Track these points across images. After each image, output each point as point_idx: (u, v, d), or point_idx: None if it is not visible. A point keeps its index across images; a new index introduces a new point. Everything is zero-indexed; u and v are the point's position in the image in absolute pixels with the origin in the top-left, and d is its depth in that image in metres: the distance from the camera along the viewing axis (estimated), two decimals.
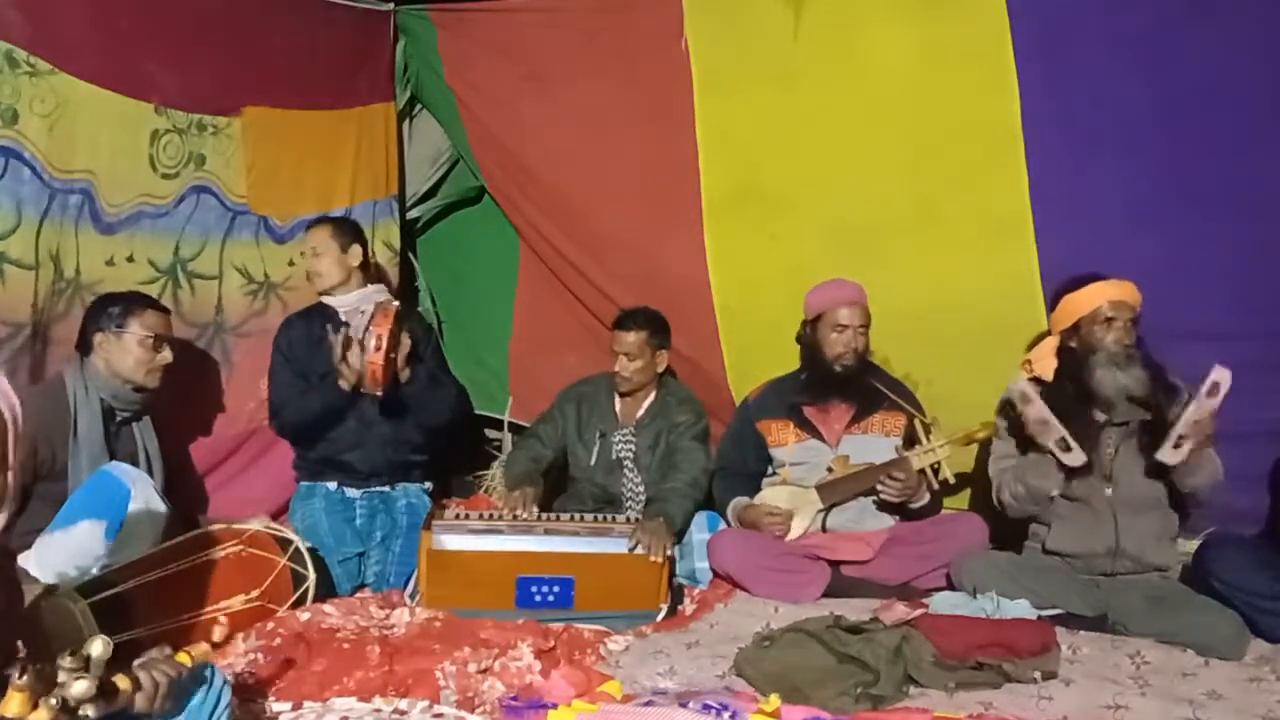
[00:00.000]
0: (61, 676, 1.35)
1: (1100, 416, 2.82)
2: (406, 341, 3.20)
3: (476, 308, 4.42)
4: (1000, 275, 3.26)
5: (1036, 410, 2.75)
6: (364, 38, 3.90)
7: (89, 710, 1.36)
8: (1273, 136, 2.92)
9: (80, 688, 1.34)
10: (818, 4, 3.32)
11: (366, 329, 3.09)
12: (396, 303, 3.20)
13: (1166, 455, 2.67)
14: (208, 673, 1.73)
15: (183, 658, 1.60)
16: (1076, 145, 3.12)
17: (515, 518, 2.92)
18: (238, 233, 3.47)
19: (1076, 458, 2.73)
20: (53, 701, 1.31)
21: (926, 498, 3.14)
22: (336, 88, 3.79)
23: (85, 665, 1.38)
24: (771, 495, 3.21)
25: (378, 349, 3.02)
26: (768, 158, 3.53)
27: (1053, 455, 2.75)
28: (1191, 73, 2.95)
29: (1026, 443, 2.86)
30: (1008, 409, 2.92)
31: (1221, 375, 2.61)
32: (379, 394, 3.12)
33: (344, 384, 3.12)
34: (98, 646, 1.41)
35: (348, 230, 3.38)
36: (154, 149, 3.15)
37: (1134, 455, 2.82)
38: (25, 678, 1.31)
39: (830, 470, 3.18)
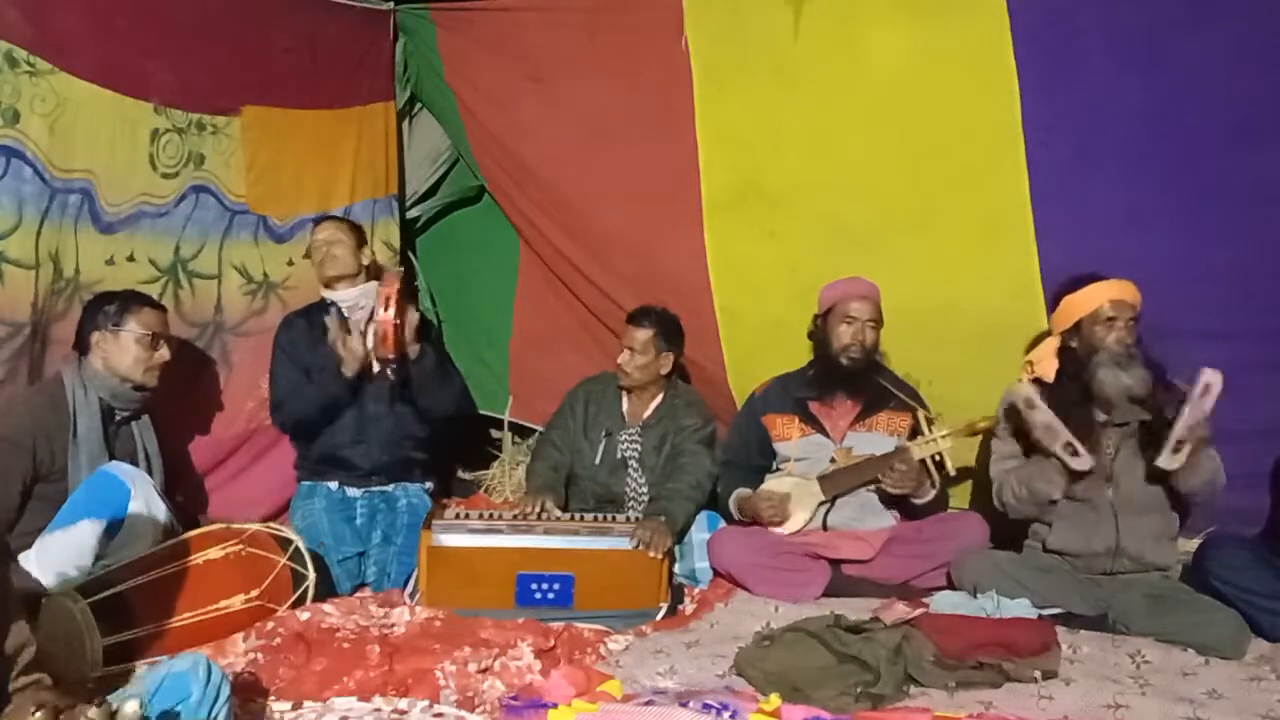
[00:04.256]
0: None
1: (1101, 416, 2.83)
2: (414, 315, 3.23)
3: (476, 307, 4.42)
4: (1000, 275, 3.26)
5: (1041, 415, 2.75)
6: (364, 37, 3.90)
7: None
8: (1273, 136, 2.92)
9: None
10: (818, 3, 3.32)
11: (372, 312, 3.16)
12: (400, 268, 3.23)
13: (1166, 461, 2.68)
14: (204, 671, 1.73)
15: None
16: (1077, 145, 3.11)
17: (524, 516, 2.94)
18: (237, 232, 3.47)
19: (1084, 462, 2.73)
20: None
21: (931, 494, 3.15)
22: (336, 87, 3.79)
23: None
24: (775, 486, 3.20)
25: (386, 309, 3.06)
26: (768, 157, 3.53)
27: (1058, 460, 2.75)
28: (1192, 72, 2.94)
29: (1031, 446, 2.86)
30: (1012, 414, 2.91)
31: (1212, 377, 2.61)
32: (390, 358, 3.14)
33: (346, 370, 3.16)
34: (130, 707, 1.38)
35: (358, 231, 3.48)
36: (154, 148, 3.15)
37: (1134, 455, 2.82)
38: (40, 714, 1.29)
39: (833, 461, 3.18)
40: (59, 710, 1.34)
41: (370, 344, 3.20)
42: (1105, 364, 2.78)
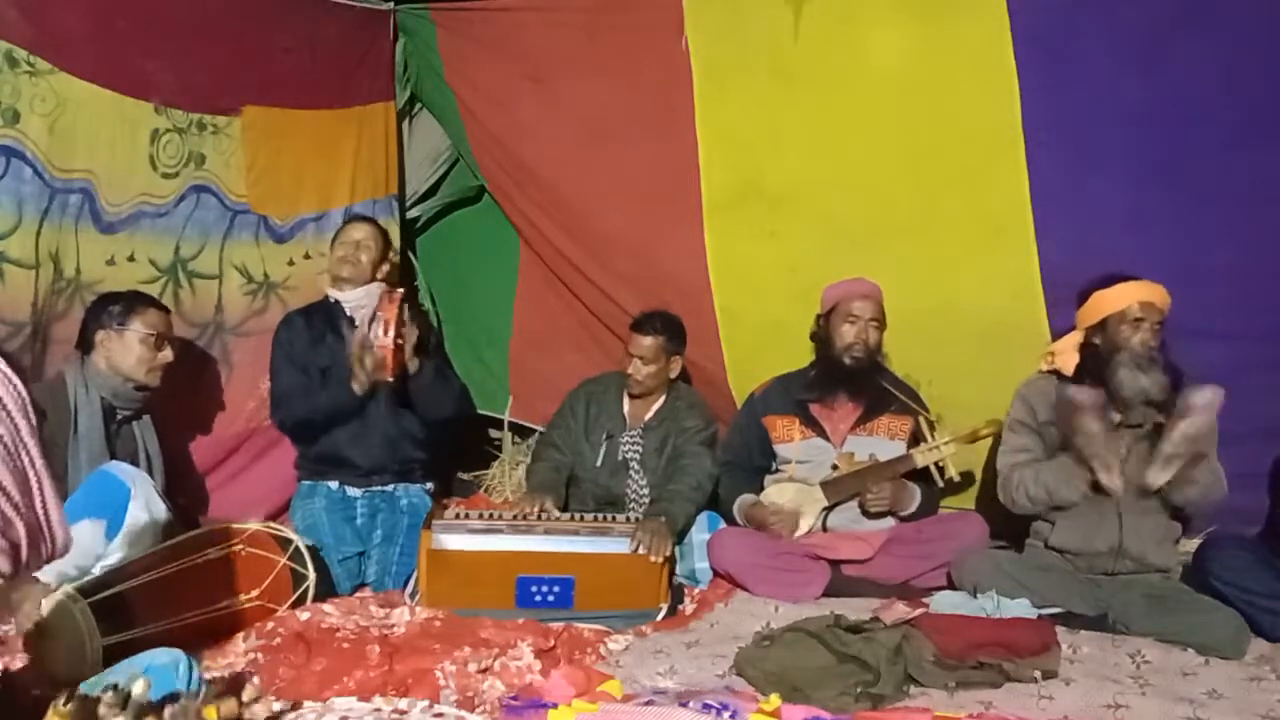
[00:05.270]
0: (101, 710, 1.37)
1: (1115, 417, 2.81)
2: (414, 331, 3.21)
3: (476, 307, 4.42)
4: (1000, 275, 3.26)
5: (1098, 426, 2.70)
6: (364, 37, 3.90)
7: None
8: (1273, 136, 2.92)
9: None
10: (818, 3, 3.32)
11: (374, 316, 3.13)
12: (401, 290, 3.22)
13: (1154, 476, 2.67)
14: (184, 669, 1.75)
15: (210, 714, 1.59)
16: (1077, 145, 3.11)
17: (524, 516, 2.93)
18: (237, 232, 3.47)
19: (1116, 483, 2.70)
20: None
21: (914, 505, 3.15)
22: (336, 87, 3.79)
23: (124, 703, 1.40)
24: (777, 492, 3.20)
25: (386, 333, 3.04)
26: (768, 157, 3.53)
27: (1087, 469, 2.73)
28: (1192, 72, 2.94)
29: (1061, 445, 2.84)
30: (1062, 410, 2.81)
31: (1207, 395, 2.60)
32: (389, 380, 3.12)
33: (358, 387, 3.14)
34: (138, 686, 1.42)
35: (388, 241, 3.50)
36: (154, 148, 3.15)
37: (1145, 458, 2.80)
38: (69, 705, 1.33)
39: (835, 467, 3.18)
40: (86, 697, 1.39)
41: (368, 365, 3.15)
42: (1126, 364, 2.76)
